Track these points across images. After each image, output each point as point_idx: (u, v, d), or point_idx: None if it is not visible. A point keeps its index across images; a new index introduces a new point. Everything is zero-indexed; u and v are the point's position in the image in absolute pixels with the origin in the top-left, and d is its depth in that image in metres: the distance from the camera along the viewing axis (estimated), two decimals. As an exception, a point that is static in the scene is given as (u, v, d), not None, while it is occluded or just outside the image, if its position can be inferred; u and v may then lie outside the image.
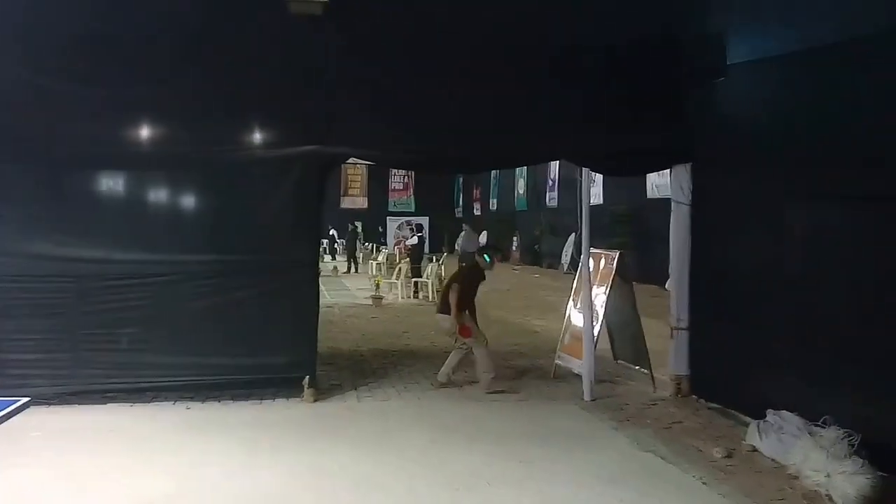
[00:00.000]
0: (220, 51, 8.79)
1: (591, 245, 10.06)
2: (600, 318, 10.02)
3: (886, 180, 6.72)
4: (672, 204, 9.71)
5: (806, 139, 7.70)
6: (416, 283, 21.11)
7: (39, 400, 8.25)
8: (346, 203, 41.94)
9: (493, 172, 38.72)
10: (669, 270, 9.97)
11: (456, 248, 27.00)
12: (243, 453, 7.17)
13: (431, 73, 9.10)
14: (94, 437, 7.58)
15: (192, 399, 8.80)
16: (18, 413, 8.03)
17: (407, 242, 24.92)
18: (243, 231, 9.11)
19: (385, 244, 35.28)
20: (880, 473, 6.17)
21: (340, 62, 8.86)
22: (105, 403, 8.56)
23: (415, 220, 32.32)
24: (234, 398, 8.88)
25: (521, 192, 37.55)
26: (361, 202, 42.92)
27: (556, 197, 32.97)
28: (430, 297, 19.34)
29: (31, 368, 8.44)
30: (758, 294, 8.20)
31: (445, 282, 11.15)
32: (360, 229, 34.54)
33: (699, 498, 6.31)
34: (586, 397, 9.30)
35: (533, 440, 7.78)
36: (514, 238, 36.98)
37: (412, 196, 44.57)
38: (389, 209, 43.49)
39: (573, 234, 27.83)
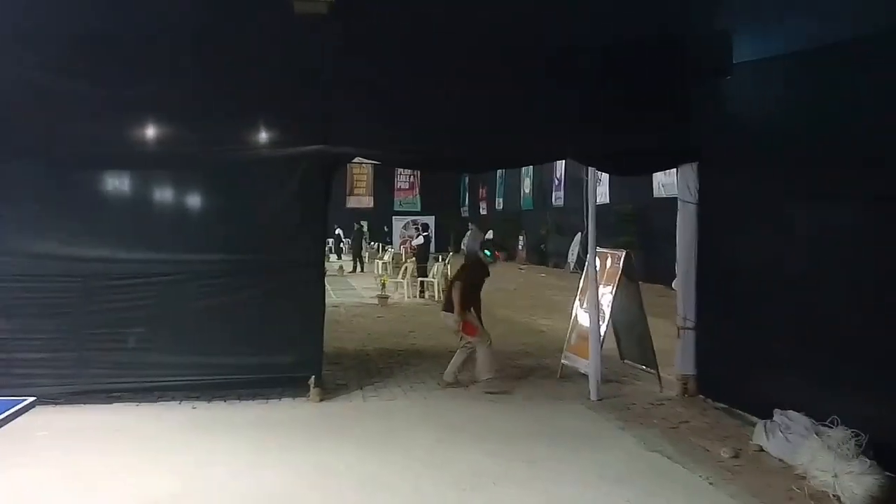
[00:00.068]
0: (224, 51, 8.81)
1: (598, 244, 10.03)
2: (607, 317, 10.00)
3: (891, 180, 6.69)
4: (678, 203, 9.68)
5: (812, 138, 7.66)
6: (421, 282, 21.10)
7: (45, 399, 8.27)
8: (352, 202, 41.94)
9: (499, 171, 38.68)
10: (676, 270, 9.95)
11: (462, 247, 27.02)
12: (249, 453, 7.17)
13: (431, 73, 9.08)
14: (100, 436, 7.59)
15: (197, 399, 8.80)
16: (24, 413, 8.06)
17: (413, 242, 24.91)
18: (248, 231, 9.12)
19: (391, 243, 35.29)
20: (887, 474, 6.15)
21: (343, 62, 8.85)
22: (111, 403, 8.57)
23: (420, 219, 32.30)
24: (240, 398, 8.88)
25: (526, 191, 37.52)
26: (367, 201, 42.92)
27: (563, 196, 32.92)
28: (437, 297, 19.32)
29: (37, 368, 8.46)
30: (764, 293, 8.17)
31: (450, 280, 11.12)
32: (365, 228, 34.54)
33: (706, 498, 6.29)
34: (593, 397, 9.28)
35: (539, 440, 7.77)
36: (520, 237, 36.95)
37: (418, 195, 44.53)
38: (395, 208, 43.46)
39: (579, 234, 27.79)
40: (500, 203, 41.59)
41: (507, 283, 21.41)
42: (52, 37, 8.42)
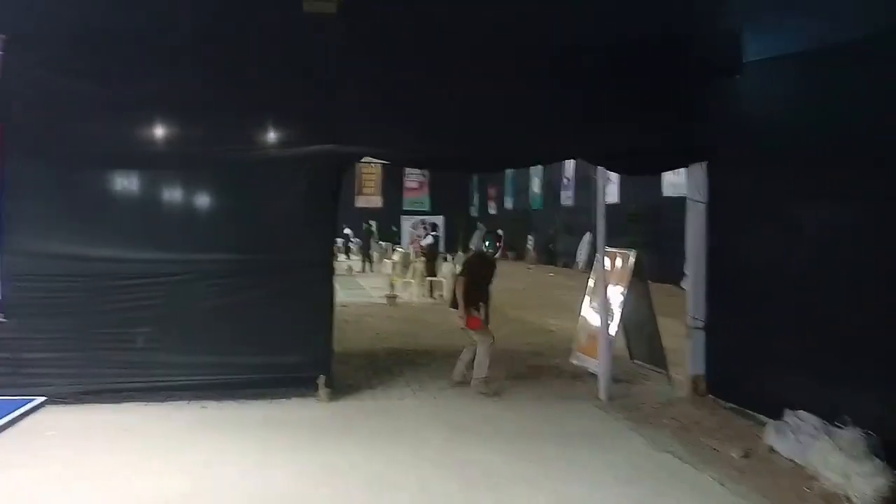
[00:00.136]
0: (232, 50, 8.81)
1: (608, 244, 10.01)
2: (616, 317, 9.97)
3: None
4: (688, 203, 9.64)
5: (822, 138, 7.62)
6: (431, 282, 21.08)
7: (54, 399, 8.32)
8: (361, 202, 41.93)
9: (509, 171, 38.59)
10: (685, 269, 9.91)
11: (471, 246, 26.96)
12: (258, 452, 7.17)
13: (437, 73, 9.05)
14: (109, 435, 7.59)
15: (206, 398, 8.79)
16: (34, 412, 8.12)
17: (422, 242, 24.88)
18: (257, 230, 9.13)
19: (400, 243, 35.25)
20: (900, 474, 6.12)
21: (350, 62, 8.84)
22: (120, 402, 8.57)
23: (429, 219, 32.25)
24: (249, 397, 8.86)
25: (536, 190, 37.45)
26: (376, 201, 42.89)
27: (572, 196, 32.85)
28: (446, 297, 19.29)
29: (46, 368, 8.50)
30: (775, 293, 8.13)
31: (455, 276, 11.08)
32: (374, 228, 34.52)
33: (715, 498, 6.26)
34: (602, 397, 9.26)
35: (548, 439, 7.75)
36: (530, 237, 36.90)
37: (428, 195, 44.50)
38: (404, 208, 43.44)
39: (588, 233, 27.73)
40: (509, 202, 41.51)
41: (516, 283, 21.38)
42: (59, 36, 8.46)
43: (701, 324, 9.38)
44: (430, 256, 22.17)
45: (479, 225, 24.23)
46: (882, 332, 6.78)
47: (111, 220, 8.87)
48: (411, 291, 21.02)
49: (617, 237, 10.54)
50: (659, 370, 10.14)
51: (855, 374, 6.98)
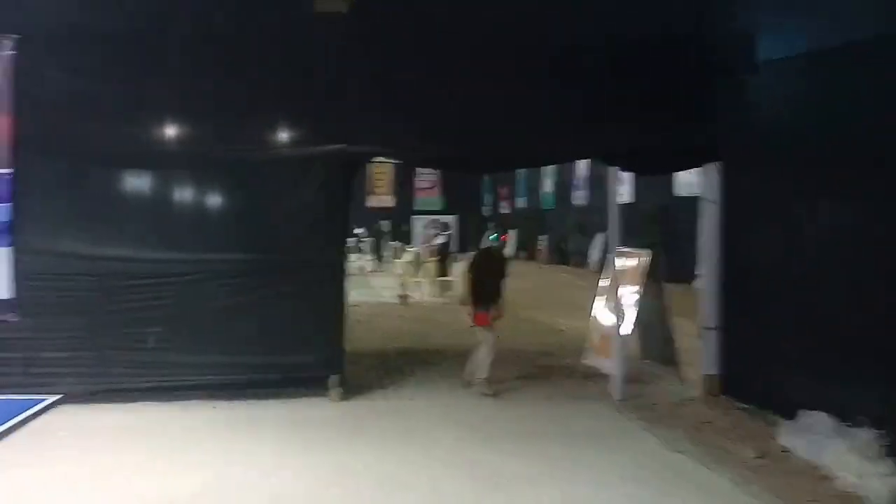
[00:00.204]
0: (243, 51, 8.81)
1: (622, 244, 9.96)
2: (630, 317, 9.92)
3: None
4: (702, 202, 9.60)
5: (836, 137, 7.57)
6: (442, 281, 21.04)
7: (66, 399, 8.34)
8: (373, 202, 41.87)
9: (521, 170, 38.47)
10: (699, 270, 9.86)
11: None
12: (269, 452, 7.18)
13: (447, 73, 8.99)
14: (120, 435, 7.61)
15: (217, 398, 8.79)
16: (46, 412, 8.14)
17: (434, 242, 24.86)
18: (268, 230, 9.14)
19: (411, 243, 35.24)
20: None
21: (361, 62, 8.83)
22: (131, 402, 8.58)
23: (441, 218, 32.18)
24: (261, 397, 8.86)
25: (548, 189, 37.33)
26: (388, 201, 42.83)
27: (585, 195, 32.71)
28: (457, 296, 19.24)
29: (59, 367, 8.53)
30: (788, 293, 8.09)
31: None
32: (386, 228, 34.54)
33: (727, 499, 6.23)
34: (615, 397, 9.22)
35: (559, 439, 7.73)
36: (542, 236, 36.80)
37: (440, 195, 44.45)
38: (416, 208, 43.38)
39: (602, 233, 27.63)
40: (521, 202, 41.37)
41: (528, 283, 21.31)
42: (69, 37, 8.46)
43: (714, 324, 9.33)
44: (442, 256, 22.14)
45: (490, 225, 24.14)
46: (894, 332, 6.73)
47: (122, 220, 8.91)
48: (423, 291, 20.99)
49: (631, 237, 10.48)
50: (672, 370, 10.08)
51: (870, 375, 6.92)
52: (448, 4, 8.01)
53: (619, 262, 9.99)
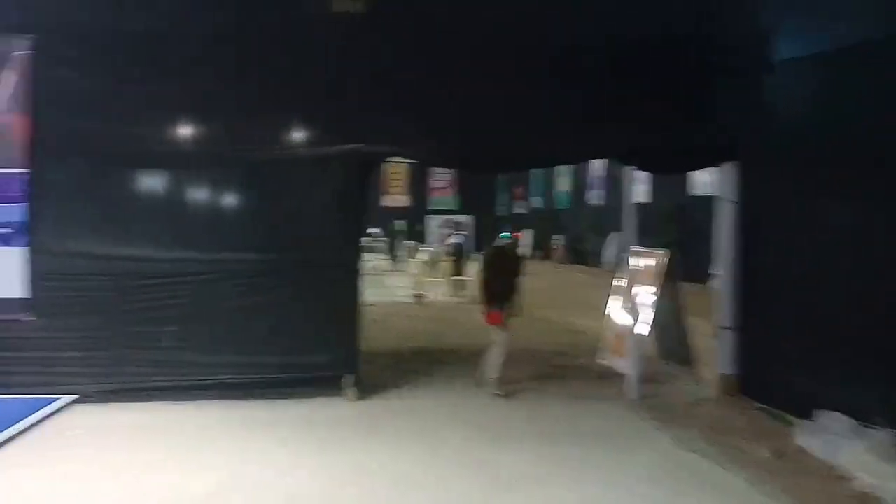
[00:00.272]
0: (259, 50, 8.84)
1: (638, 244, 9.94)
2: (646, 317, 9.89)
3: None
4: (718, 202, 9.57)
5: (854, 137, 7.54)
6: (457, 281, 21.04)
7: (82, 398, 8.38)
8: (388, 201, 41.86)
9: (536, 170, 38.37)
10: (715, 270, 9.83)
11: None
12: (285, 452, 7.20)
13: (460, 73, 8.99)
14: (135, 434, 7.65)
15: (233, 398, 8.81)
16: (61, 411, 8.18)
17: (448, 241, 24.87)
18: (283, 230, 9.15)
19: (426, 242, 35.25)
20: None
21: (374, 63, 8.84)
22: (146, 402, 8.62)
23: (456, 218, 32.16)
24: (276, 397, 8.88)
25: (563, 189, 37.26)
26: (403, 200, 42.81)
27: (600, 195, 32.61)
28: (472, 295, 19.24)
29: (73, 366, 8.58)
30: (806, 293, 8.05)
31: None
32: (400, 227, 34.59)
33: (742, 499, 6.21)
34: (630, 396, 9.20)
35: (574, 439, 7.72)
36: (557, 236, 36.72)
37: (455, 194, 44.42)
38: (431, 207, 43.36)
39: (617, 233, 27.56)
40: (537, 201, 41.30)
41: (543, 282, 21.27)
42: (88, 37, 8.52)
43: (731, 324, 9.29)
44: (457, 256, 22.14)
45: (504, 224, 24.10)
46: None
47: (138, 220, 8.94)
48: (438, 291, 20.99)
49: (647, 236, 10.44)
50: (688, 370, 10.05)
51: (888, 375, 6.88)
52: (454, 5, 8.01)
53: (635, 262, 9.97)
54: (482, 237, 37.70)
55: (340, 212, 9.18)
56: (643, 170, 11.31)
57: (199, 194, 9.42)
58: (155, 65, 8.71)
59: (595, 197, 32.88)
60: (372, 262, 31.04)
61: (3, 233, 8.55)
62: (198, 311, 8.86)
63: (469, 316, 13.66)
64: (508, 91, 8.98)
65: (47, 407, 8.11)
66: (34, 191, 8.52)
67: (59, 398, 8.33)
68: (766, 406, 8.60)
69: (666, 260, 9.98)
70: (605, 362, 10.44)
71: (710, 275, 10.43)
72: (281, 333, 8.99)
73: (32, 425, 7.69)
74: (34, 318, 8.47)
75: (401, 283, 23.00)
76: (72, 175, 8.78)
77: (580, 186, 34.52)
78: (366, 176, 9.56)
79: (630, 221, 9.78)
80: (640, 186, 25.76)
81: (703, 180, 13.40)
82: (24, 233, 8.51)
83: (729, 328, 9.32)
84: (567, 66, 8.99)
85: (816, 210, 7.97)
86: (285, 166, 9.11)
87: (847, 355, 7.36)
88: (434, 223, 39.74)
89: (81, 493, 6.18)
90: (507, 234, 10.38)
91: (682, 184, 22.65)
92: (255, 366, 8.95)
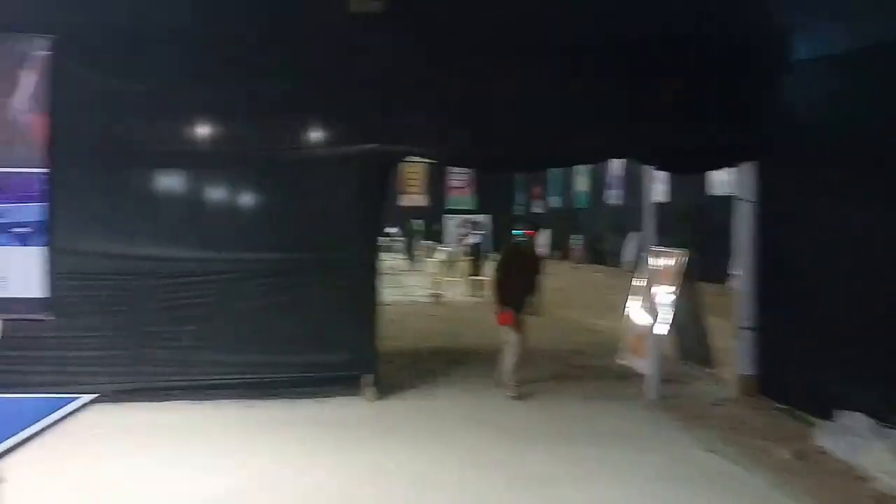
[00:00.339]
0: (278, 50, 8.85)
1: (657, 243, 9.90)
2: (665, 317, 9.85)
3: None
4: (737, 202, 9.52)
5: (874, 137, 7.49)
6: (475, 281, 21.04)
7: (100, 397, 8.40)
8: (405, 201, 41.87)
9: (554, 169, 38.30)
10: (735, 269, 9.79)
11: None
12: (304, 451, 7.22)
13: (481, 74, 8.97)
14: (154, 433, 7.68)
15: (252, 397, 8.84)
16: (80, 410, 8.19)
17: (466, 241, 24.87)
18: (303, 229, 9.15)
19: (443, 242, 35.25)
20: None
21: (396, 62, 8.84)
22: (165, 401, 8.66)
23: (474, 218, 32.14)
24: (294, 396, 8.90)
25: (581, 188, 37.15)
26: (420, 199, 42.81)
27: (619, 194, 32.48)
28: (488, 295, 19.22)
29: (92, 366, 8.61)
30: (825, 293, 8.01)
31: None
32: (418, 227, 34.57)
33: (762, 499, 6.17)
34: (650, 397, 9.17)
35: (592, 439, 7.70)
36: (576, 236, 36.64)
37: (472, 194, 44.38)
38: (449, 207, 43.34)
39: (636, 232, 27.45)
40: (555, 201, 41.17)
41: (562, 282, 21.23)
42: (107, 36, 8.54)
43: (751, 324, 9.25)
44: (475, 255, 22.15)
45: (519, 223, 24.03)
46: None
47: (158, 219, 8.97)
48: (455, 290, 20.99)
49: (665, 236, 10.40)
50: (708, 370, 10.00)
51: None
52: (473, 3, 8.01)
53: (654, 262, 9.93)
54: (500, 237, 37.72)
55: (360, 211, 9.19)
56: (663, 170, 11.26)
57: (219, 194, 9.46)
58: (175, 65, 8.73)
59: (613, 196, 32.78)
60: (390, 261, 31.11)
61: (22, 232, 8.58)
62: (217, 310, 8.88)
63: (486, 316, 13.61)
64: (528, 91, 8.98)
65: (67, 406, 8.12)
66: (54, 190, 8.55)
67: (78, 397, 8.35)
68: (785, 406, 8.56)
69: (685, 260, 9.95)
70: (624, 362, 10.41)
71: (729, 275, 10.37)
72: (300, 333, 8.99)
73: (51, 424, 7.71)
74: (53, 318, 8.50)
75: (418, 283, 23.02)
76: (91, 175, 8.80)
77: (598, 186, 34.47)
78: (385, 175, 9.58)
79: (649, 221, 9.74)
80: (658, 186, 25.72)
81: (722, 180, 13.33)
82: (44, 232, 8.54)
83: (748, 328, 9.28)
84: (590, 65, 8.97)
85: (836, 210, 7.92)
86: (306, 166, 9.12)
87: (868, 355, 7.31)
88: (452, 223, 39.68)
89: (99, 491, 6.22)
90: (520, 231, 10.32)
91: (701, 183, 22.58)
92: (274, 365, 8.97)
